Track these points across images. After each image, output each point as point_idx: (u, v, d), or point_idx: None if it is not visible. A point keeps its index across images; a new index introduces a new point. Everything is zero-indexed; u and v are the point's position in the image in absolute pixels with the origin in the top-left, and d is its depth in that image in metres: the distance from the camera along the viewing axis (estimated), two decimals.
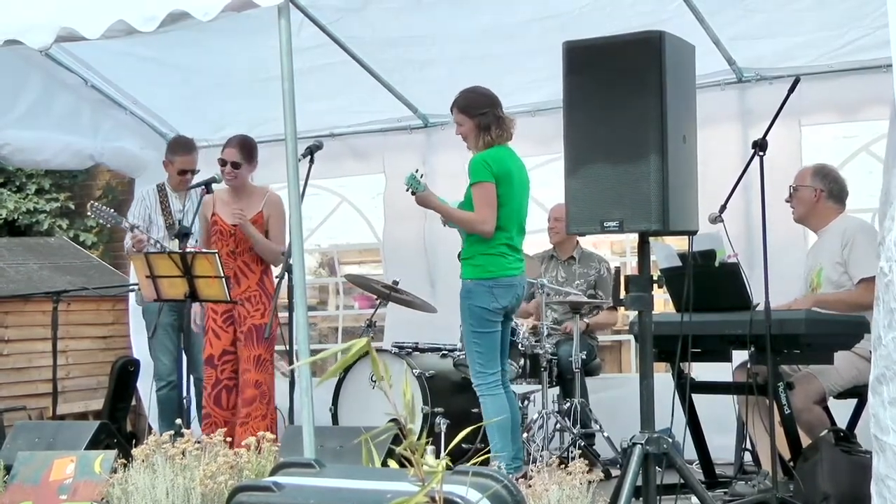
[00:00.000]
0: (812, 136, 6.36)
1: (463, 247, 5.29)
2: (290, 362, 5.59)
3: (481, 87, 5.33)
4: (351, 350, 2.08)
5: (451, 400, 6.02)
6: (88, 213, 6.28)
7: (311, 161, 5.45)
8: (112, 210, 6.27)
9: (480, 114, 5.22)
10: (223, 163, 5.85)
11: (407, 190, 5.24)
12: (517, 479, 4.40)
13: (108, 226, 6.16)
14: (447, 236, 6.57)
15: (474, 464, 2.43)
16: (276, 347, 5.97)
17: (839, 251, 5.08)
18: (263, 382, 5.73)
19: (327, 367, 8.16)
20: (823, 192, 5.25)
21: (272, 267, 5.93)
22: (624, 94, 3.79)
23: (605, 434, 6.15)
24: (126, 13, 4.31)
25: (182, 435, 4.70)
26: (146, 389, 7.24)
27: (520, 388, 6.06)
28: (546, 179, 5.75)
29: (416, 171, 5.28)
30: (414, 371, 5.94)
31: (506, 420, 5.17)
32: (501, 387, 5.25)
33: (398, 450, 2.15)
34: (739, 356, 4.95)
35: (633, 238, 4.10)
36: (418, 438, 2.10)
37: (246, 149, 5.86)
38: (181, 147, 6.64)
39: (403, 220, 7.53)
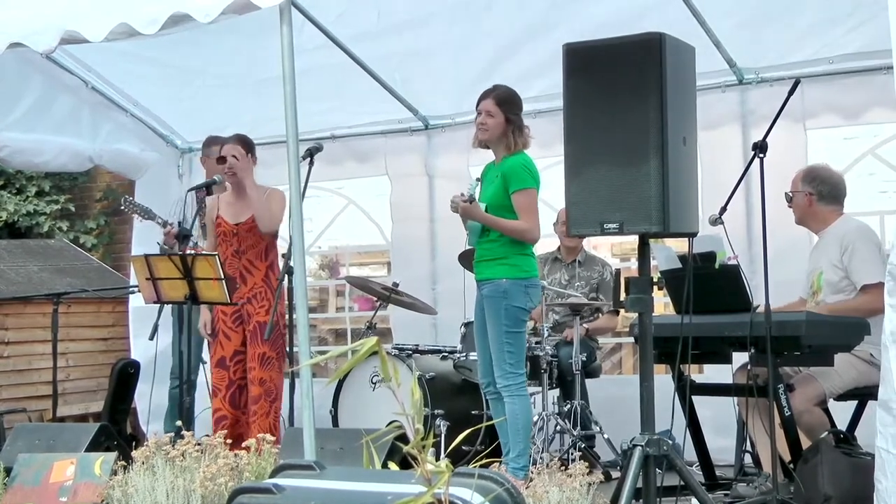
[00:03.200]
0: (818, 139, 6.34)
1: (484, 247, 5.23)
2: (291, 364, 5.60)
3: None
4: (356, 350, 2.08)
5: (452, 402, 6.02)
6: (122, 207, 6.30)
7: (311, 163, 5.45)
8: (144, 205, 6.29)
9: (515, 114, 5.22)
10: (222, 160, 5.86)
11: (467, 200, 5.12)
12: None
13: (141, 220, 6.22)
14: (452, 239, 6.58)
15: (476, 466, 2.43)
16: None
17: (838, 256, 5.06)
18: (268, 380, 5.72)
19: (328, 368, 8.17)
20: (813, 195, 5.20)
21: (277, 263, 5.92)
22: (624, 97, 3.80)
23: (606, 436, 6.15)
24: (128, 16, 4.32)
25: (182, 437, 4.71)
26: (143, 391, 7.24)
27: None
28: (551, 181, 5.76)
29: (477, 179, 5.28)
30: (414, 373, 5.94)
31: (530, 423, 5.22)
32: (527, 388, 5.27)
33: (406, 449, 2.15)
34: (739, 358, 4.95)
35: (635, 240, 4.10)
36: (422, 439, 2.10)
37: (243, 143, 5.87)
38: (214, 140, 6.70)
39: (409, 221, 7.55)
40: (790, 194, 5.28)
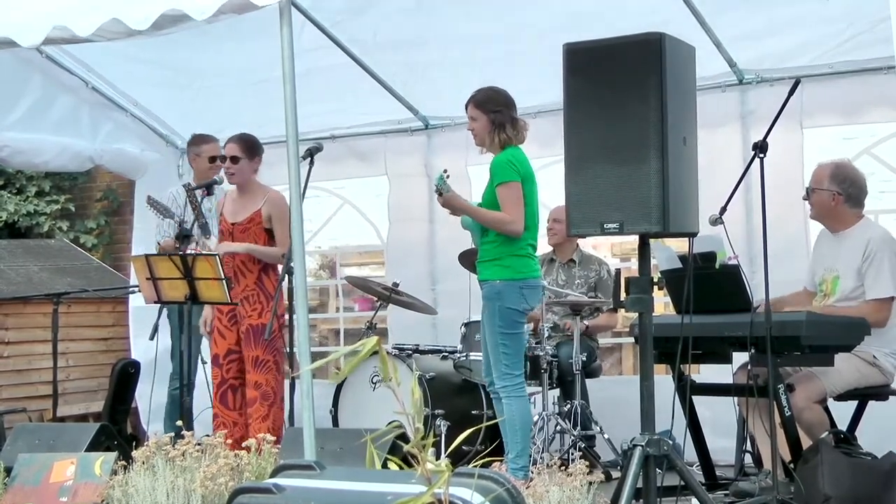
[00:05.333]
0: (814, 138, 6.33)
1: (483, 248, 5.21)
2: (291, 365, 5.59)
3: (498, 87, 5.30)
4: (358, 350, 2.08)
5: (452, 402, 6.02)
6: (146, 205, 6.32)
7: (311, 163, 5.45)
8: (165, 204, 6.32)
9: (496, 111, 5.18)
10: (223, 159, 5.87)
11: (436, 191, 5.14)
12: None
13: (162, 218, 6.23)
14: (451, 239, 6.56)
15: (476, 466, 2.43)
16: None
17: (860, 262, 4.98)
18: (263, 383, 5.72)
19: (328, 369, 8.16)
20: (841, 195, 5.10)
21: (274, 267, 5.91)
22: (624, 96, 3.80)
23: (606, 436, 6.14)
24: (120, 12, 4.30)
25: (183, 437, 4.71)
26: (143, 391, 7.24)
27: None
28: (549, 181, 5.75)
29: (444, 171, 5.18)
30: (414, 372, 5.93)
31: (528, 424, 5.19)
32: (525, 389, 5.24)
33: (406, 448, 2.15)
34: (740, 358, 4.95)
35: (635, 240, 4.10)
36: (422, 439, 2.10)
37: (245, 144, 5.86)
38: (203, 138, 6.75)
39: (408, 222, 7.54)
40: (811, 190, 5.21)
